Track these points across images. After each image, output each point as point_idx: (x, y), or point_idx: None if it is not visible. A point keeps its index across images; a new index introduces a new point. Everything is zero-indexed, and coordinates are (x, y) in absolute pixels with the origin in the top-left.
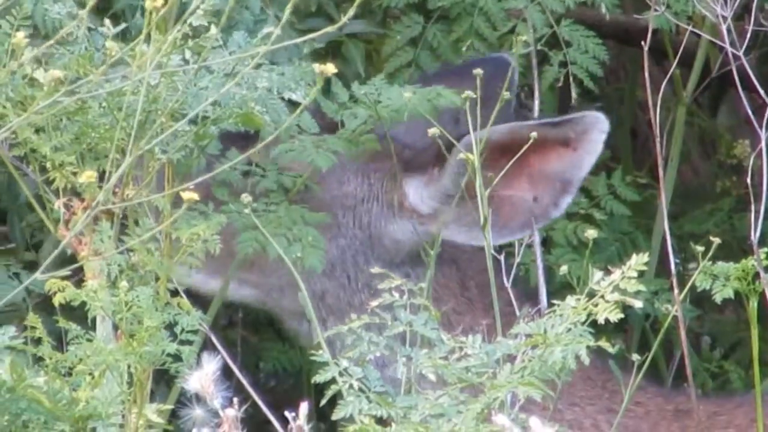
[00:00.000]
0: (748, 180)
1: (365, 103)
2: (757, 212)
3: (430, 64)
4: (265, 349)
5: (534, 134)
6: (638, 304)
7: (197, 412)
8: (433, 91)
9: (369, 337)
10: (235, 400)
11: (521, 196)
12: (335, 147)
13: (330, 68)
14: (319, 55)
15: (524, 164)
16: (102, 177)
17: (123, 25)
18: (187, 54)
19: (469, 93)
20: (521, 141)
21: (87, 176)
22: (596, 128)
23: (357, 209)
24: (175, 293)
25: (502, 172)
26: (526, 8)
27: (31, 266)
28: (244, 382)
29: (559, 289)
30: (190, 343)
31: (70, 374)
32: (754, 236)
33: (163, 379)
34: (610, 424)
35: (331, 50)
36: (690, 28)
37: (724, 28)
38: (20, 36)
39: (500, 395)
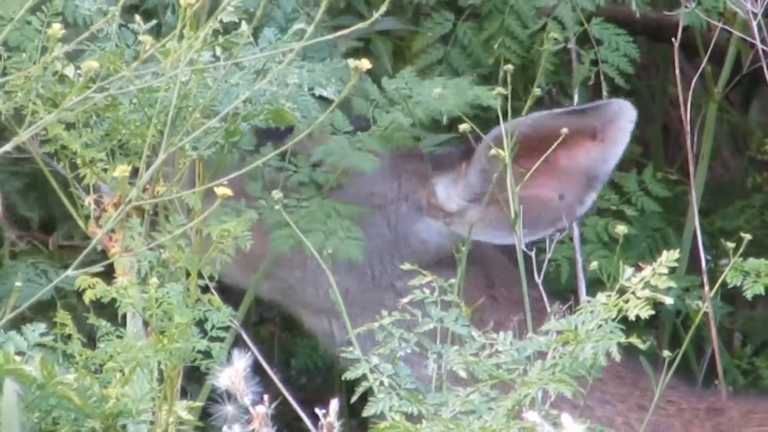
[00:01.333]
0: None
1: (396, 100)
2: None
3: (460, 61)
4: (297, 346)
5: (565, 130)
6: (669, 300)
7: (228, 408)
8: (469, 92)
9: (400, 333)
10: (266, 396)
11: (547, 194)
12: (370, 145)
13: (364, 64)
14: (350, 53)
15: (550, 161)
16: (132, 173)
17: (153, 22)
18: (218, 50)
19: (499, 89)
20: (546, 133)
21: (121, 170)
22: (623, 117)
23: (386, 209)
24: (205, 290)
25: (532, 169)
26: (557, 6)
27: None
28: (275, 379)
29: (590, 285)
30: (220, 339)
31: (100, 371)
32: None
33: (194, 376)
34: (642, 421)
35: (361, 47)
36: (721, 24)
37: (754, 24)
38: (56, 27)
39: (531, 392)
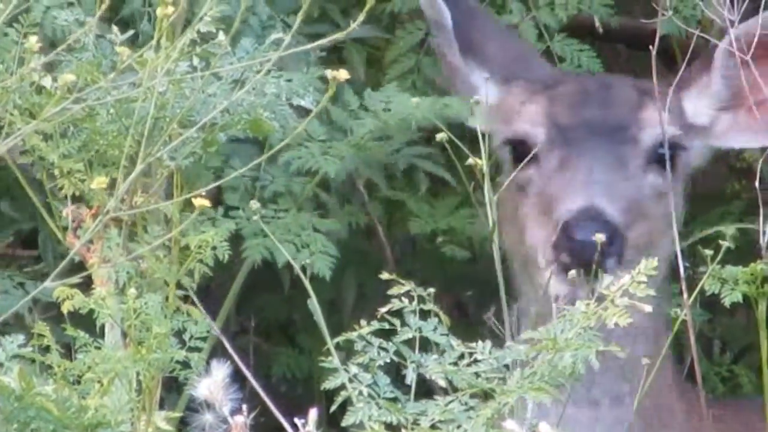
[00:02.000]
0: (757, 183)
1: (374, 111)
2: (766, 216)
3: (432, 70)
4: (276, 356)
5: None
6: (648, 308)
7: (207, 418)
8: (440, 102)
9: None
10: (245, 406)
11: None
12: (343, 153)
13: (343, 74)
14: (323, 61)
15: None
16: (110, 184)
17: (131, 32)
18: (195, 61)
19: (476, 98)
20: None
21: (98, 182)
22: None
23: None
24: (184, 300)
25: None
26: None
27: (33, 275)
28: (257, 387)
29: None
30: (199, 350)
31: (78, 382)
32: (763, 240)
33: (173, 387)
34: None
35: (335, 55)
36: (698, 32)
37: (732, 32)
38: (33, 40)
39: (510, 400)
